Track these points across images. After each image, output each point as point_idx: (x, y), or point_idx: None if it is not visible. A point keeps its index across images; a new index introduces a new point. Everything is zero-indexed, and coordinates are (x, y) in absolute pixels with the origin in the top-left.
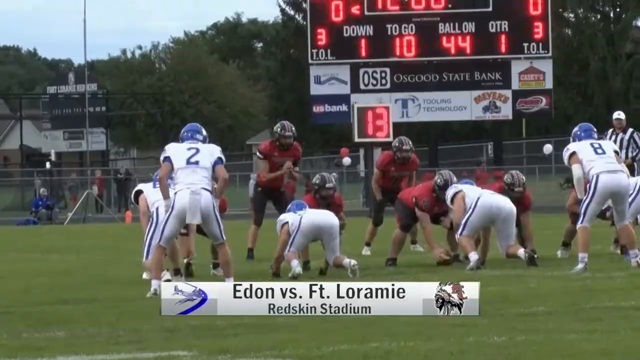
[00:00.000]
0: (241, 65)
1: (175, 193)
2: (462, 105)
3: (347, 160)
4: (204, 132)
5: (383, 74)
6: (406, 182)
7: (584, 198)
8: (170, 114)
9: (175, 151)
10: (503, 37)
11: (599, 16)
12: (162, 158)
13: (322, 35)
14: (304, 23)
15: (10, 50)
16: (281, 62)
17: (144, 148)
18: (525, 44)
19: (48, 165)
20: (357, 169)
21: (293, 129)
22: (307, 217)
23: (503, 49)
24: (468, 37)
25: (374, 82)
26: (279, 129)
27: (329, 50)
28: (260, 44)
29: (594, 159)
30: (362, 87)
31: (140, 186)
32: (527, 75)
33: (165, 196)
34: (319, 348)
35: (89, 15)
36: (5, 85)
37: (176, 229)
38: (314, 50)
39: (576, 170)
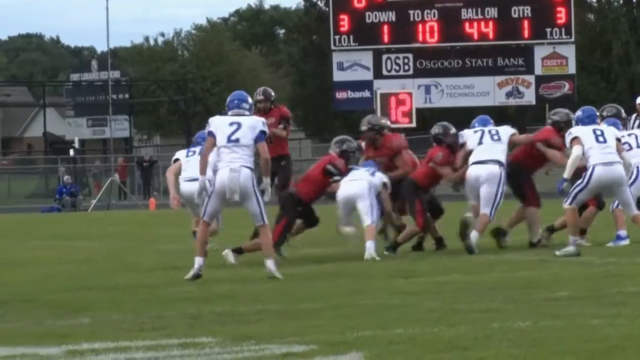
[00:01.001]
0: (263, 51)
1: (216, 171)
2: (485, 91)
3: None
4: (250, 100)
5: (406, 60)
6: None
7: (578, 183)
8: (193, 101)
9: (218, 126)
10: (526, 23)
11: (621, 1)
12: (206, 131)
13: (345, 22)
14: (326, 9)
15: (33, 37)
16: (303, 49)
17: (167, 135)
18: (548, 29)
19: (72, 152)
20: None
21: (269, 93)
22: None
23: (526, 34)
24: (491, 23)
25: (397, 68)
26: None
27: (351, 37)
28: (283, 31)
29: (594, 146)
30: (384, 73)
31: (178, 154)
32: (550, 61)
33: (202, 172)
34: (343, 334)
35: (111, 3)
36: (29, 73)
37: (218, 206)
38: (337, 37)
39: (576, 150)
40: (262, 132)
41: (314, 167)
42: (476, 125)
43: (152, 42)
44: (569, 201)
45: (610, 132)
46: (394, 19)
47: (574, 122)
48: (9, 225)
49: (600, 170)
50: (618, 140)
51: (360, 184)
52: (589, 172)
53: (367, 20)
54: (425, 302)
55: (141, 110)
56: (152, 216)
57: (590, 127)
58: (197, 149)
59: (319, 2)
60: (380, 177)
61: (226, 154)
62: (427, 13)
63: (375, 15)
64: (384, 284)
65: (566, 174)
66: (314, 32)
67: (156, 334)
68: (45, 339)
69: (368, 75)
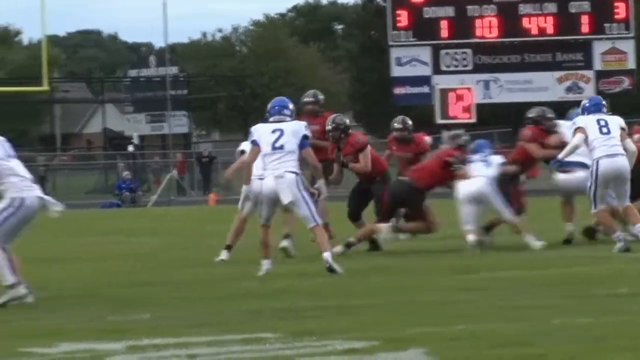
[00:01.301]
0: (321, 47)
1: (263, 179)
2: (544, 86)
3: (427, 139)
4: (291, 106)
5: (464, 55)
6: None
7: (590, 185)
8: (251, 97)
9: (262, 134)
10: (584, 18)
11: None
12: (249, 140)
13: (403, 17)
14: (384, 5)
15: (91, 34)
16: (362, 44)
17: (226, 130)
18: (607, 25)
19: (131, 148)
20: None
21: (319, 96)
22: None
23: (584, 29)
24: (549, 18)
25: (456, 64)
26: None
27: (409, 32)
28: (341, 26)
29: (598, 138)
30: (443, 68)
31: (243, 145)
32: (609, 56)
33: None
34: (404, 330)
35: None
36: (87, 69)
37: (271, 211)
38: (395, 32)
39: (577, 138)
40: (305, 137)
41: (431, 160)
42: (591, 109)
43: (209, 38)
44: (593, 207)
45: (615, 121)
46: (452, 14)
47: (580, 110)
48: (69, 221)
49: (604, 162)
50: (622, 129)
51: (478, 183)
52: (594, 167)
53: (425, 16)
54: (485, 297)
55: (199, 106)
56: (211, 212)
57: (595, 117)
58: None
59: None
60: (496, 161)
61: (271, 161)
62: (486, 8)
63: (434, 10)
64: (444, 279)
65: (560, 155)
66: (371, 27)
67: (217, 330)
68: (106, 335)
69: (427, 71)
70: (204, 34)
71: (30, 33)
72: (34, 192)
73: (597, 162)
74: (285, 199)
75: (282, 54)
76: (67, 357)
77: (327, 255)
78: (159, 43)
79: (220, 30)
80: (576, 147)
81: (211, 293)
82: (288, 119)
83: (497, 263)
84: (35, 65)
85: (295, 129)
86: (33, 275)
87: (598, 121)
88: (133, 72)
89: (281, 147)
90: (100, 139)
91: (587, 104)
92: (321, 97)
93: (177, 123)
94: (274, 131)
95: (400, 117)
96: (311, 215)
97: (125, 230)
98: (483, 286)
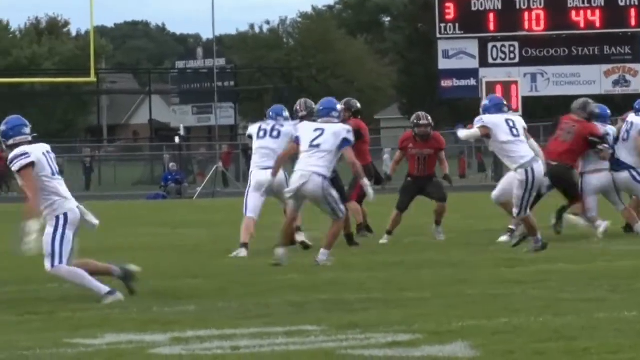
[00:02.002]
0: (369, 39)
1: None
2: (591, 80)
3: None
4: (339, 107)
5: (512, 48)
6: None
7: (521, 191)
8: (298, 89)
9: (304, 132)
10: (633, 11)
11: None
12: (294, 136)
13: (450, 10)
14: None
15: (139, 25)
16: (409, 37)
17: None
18: None
19: (177, 139)
20: (486, 144)
21: (349, 103)
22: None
23: (633, 22)
24: (597, 11)
25: (503, 57)
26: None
27: (457, 25)
28: (388, 19)
29: (512, 141)
30: (490, 61)
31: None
32: None
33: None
34: (449, 323)
35: None
36: (135, 60)
37: (298, 204)
38: (442, 25)
39: (473, 132)
40: (345, 140)
41: (573, 139)
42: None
43: (257, 29)
44: (520, 212)
45: (519, 122)
46: (500, 7)
47: (481, 110)
48: (115, 212)
49: (537, 167)
50: (524, 128)
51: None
52: (530, 175)
53: (473, 8)
54: (530, 291)
55: (246, 98)
56: None
57: (502, 117)
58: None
59: None
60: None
61: (304, 158)
62: (533, 1)
63: (481, 3)
64: (490, 273)
65: (463, 136)
66: (419, 20)
67: (261, 322)
68: (151, 326)
69: (474, 64)
70: (252, 26)
71: (79, 24)
72: (72, 204)
73: (532, 170)
74: (309, 198)
75: (330, 46)
76: (112, 348)
77: (322, 254)
78: (206, 35)
79: (267, 22)
80: (469, 138)
81: (256, 285)
82: (335, 120)
83: (542, 257)
84: (83, 57)
85: (337, 131)
86: None
87: (507, 122)
88: (180, 64)
89: (317, 146)
90: (146, 131)
91: (488, 104)
92: (340, 105)
93: (224, 115)
94: (315, 130)
95: (422, 114)
96: (333, 212)
97: (171, 222)
98: (527, 280)
